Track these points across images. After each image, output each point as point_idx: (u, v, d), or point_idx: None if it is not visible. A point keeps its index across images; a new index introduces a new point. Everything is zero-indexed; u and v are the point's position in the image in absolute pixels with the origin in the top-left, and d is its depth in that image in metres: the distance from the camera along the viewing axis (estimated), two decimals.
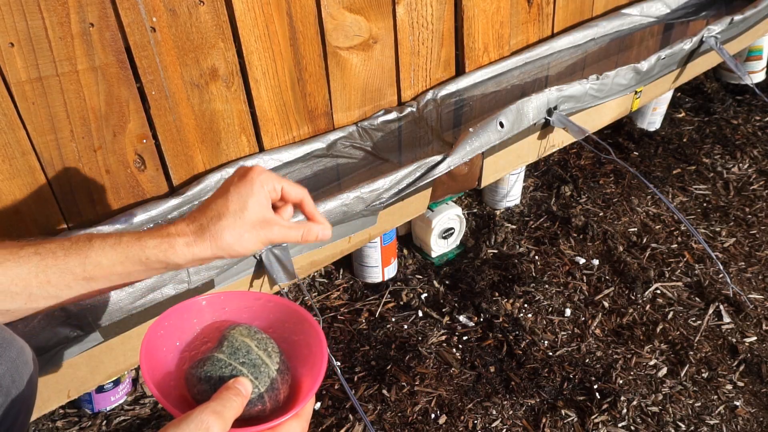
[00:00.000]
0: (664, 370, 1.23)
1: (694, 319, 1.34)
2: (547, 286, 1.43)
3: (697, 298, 1.39)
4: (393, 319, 1.36)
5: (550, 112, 1.28)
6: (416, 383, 1.21)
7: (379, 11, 1.19)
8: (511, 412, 1.16)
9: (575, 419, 1.14)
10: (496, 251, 1.54)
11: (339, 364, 1.26)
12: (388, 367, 1.24)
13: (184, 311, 0.62)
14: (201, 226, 0.63)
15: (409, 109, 1.30)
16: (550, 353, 1.27)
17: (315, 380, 0.57)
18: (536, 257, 1.52)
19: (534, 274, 1.46)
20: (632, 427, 1.13)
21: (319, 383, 0.56)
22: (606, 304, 1.38)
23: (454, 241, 1.54)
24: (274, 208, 0.68)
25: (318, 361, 0.58)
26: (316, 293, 1.43)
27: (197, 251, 0.63)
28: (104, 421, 1.15)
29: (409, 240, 1.56)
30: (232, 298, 0.65)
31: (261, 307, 0.64)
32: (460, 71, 1.41)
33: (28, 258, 0.60)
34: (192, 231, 0.63)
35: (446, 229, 1.49)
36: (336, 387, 1.21)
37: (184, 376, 0.57)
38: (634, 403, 1.17)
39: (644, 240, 1.56)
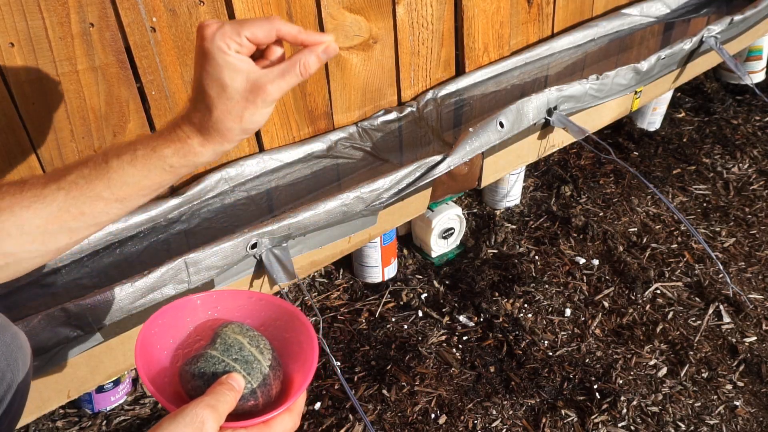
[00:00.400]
0: (664, 370, 1.23)
1: (694, 319, 1.34)
2: (547, 286, 1.43)
3: (697, 298, 1.39)
4: (393, 319, 1.36)
5: (550, 112, 1.28)
6: (416, 383, 1.21)
7: (379, 11, 1.19)
8: (511, 412, 1.16)
9: (575, 419, 1.14)
10: (496, 251, 1.54)
11: (339, 364, 1.26)
12: (388, 367, 1.24)
13: (178, 310, 0.62)
14: (201, 125, 0.60)
15: (409, 109, 1.30)
16: (550, 353, 1.27)
17: (306, 376, 0.58)
18: (536, 257, 1.52)
19: (534, 274, 1.46)
20: (632, 427, 1.13)
21: (310, 379, 0.57)
22: (606, 304, 1.38)
23: (454, 241, 1.54)
24: (258, 55, 0.61)
25: (309, 357, 0.59)
26: (316, 293, 1.43)
27: (216, 147, 0.61)
28: (104, 421, 1.15)
29: (409, 240, 1.56)
30: (224, 297, 0.65)
31: (253, 305, 0.65)
32: (460, 71, 1.41)
33: (53, 196, 0.59)
34: (197, 131, 0.60)
35: (446, 229, 1.49)
36: (336, 387, 1.21)
37: (178, 373, 0.58)
38: (634, 403, 1.17)
39: (644, 240, 1.56)
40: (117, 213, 0.62)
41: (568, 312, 1.37)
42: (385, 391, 1.19)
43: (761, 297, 1.39)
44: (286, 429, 0.56)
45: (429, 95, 1.33)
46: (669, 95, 1.97)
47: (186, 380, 0.57)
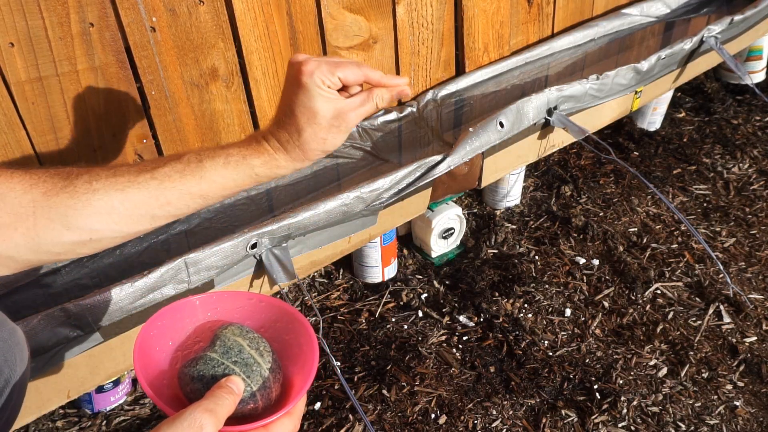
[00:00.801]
0: (664, 370, 1.23)
1: (694, 319, 1.34)
2: (547, 286, 1.43)
3: (697, 298, 1.39)
4: (393, 319, 1.36)
5: (550, 112, 1.28)
6: (416, 383, 1.21)
7: (379, 11, 1.19)
8: (511, 412, 1.16)
9: (575, 419, 1.14)
10: (496, 251, 1.54)
11: (339, 364, 1.26)
12: (388, 367, 1.24)
13: (177, 311, 0.62)
14: (286, 144, 0.69)
15: (409, 109, 1.30)
16: (550, 353, 1.27)
17: (306, 379, 0.57)
18: (536, 257, 1.52)
19: (534, 274, 1.46)
20: (632, 427, 1.13)
21: (310, 382, 0.57)
22: (606, 304, 1.38)
23: (454, 241, 1.54)
24: (344, 88, 0.71)
25: (309, 359, 0.59)
26: (316, 293, 1.43)
27: (297, 164, 0.70)
28: (104, 421, 1.15)
29: (409, 240, 1.56)
30: (224, 298, 0.65)
31: (253, 306, 0.65)
32: (460, 71, 1.41)
33: (146, 183, 0.65)
34: (282, 149, 0.69)
35: (446, 229, 1.49)
36: (336, 387, 1.21)
37: (177, 375, 0.58)
38: (634, 403, 1.17)
39: (644, 240, 1.56)
40: (196, 207, 0.69)
41: (568, 312, 1.37)
42: (385, 391, 1.19)
43: (761, 297, 1.39)
44: None
45: (429, 95, 1.33)
46: (669, 95, 1.97)
47: (185, 383, 0.57)
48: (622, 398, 1.17)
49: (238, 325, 0.61)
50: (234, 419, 0.54)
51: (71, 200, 0.62)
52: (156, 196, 0.65)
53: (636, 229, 1.60)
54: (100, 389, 1.14)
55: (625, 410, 1.15)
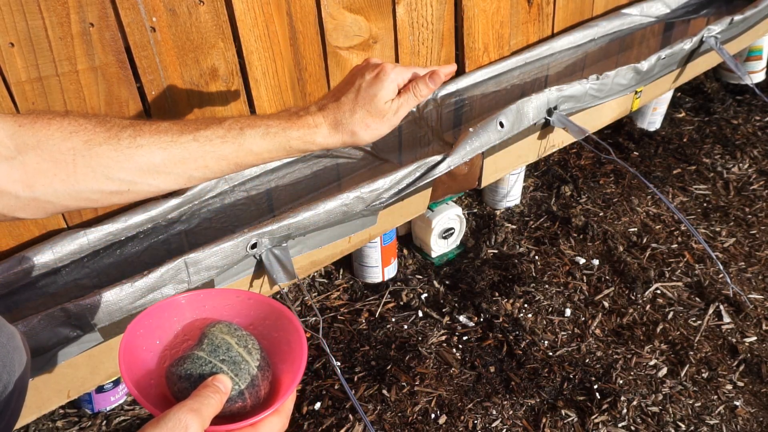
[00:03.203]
0: (664, 370, 1.23)
1: (694, 319, 1.34)
2: (547, 286, 1.43)
3: (697, 298, 1.39)
4: (393, 319, 1.36)
5: (550, 112, 1.28)
6: (416, 383, 1.21)
7: (379, 11, 1.19)
8: (511, 412, 1.16)
9: (575, 419, 1.14)
10: (496, 251, 1.54)
11: (339, 364, 1.26)
12: (388, 367, 1.24)
13: (164, 310, 0.61)
14: (336, 120, 0.73)
15: None
16: (550, 353, 1.27)
17: (294, 377, 0.57)
18: (536, 257, 1.52)
19: (534, 274, 1.46)
20: (632, 427, 1.13)
21: (298, 379, 0.56)
22: (606, 304, 1.38)
23: (454, 241, 1.54)
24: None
25: (298, 357, 0.58)
26: (316, 293, 1.43)
27: (331, 142, 0.74)
28: (104, 421, 1.15)
29: (409, 240, 1.56)
30: (212, 295, 0.65)
31: (241, 304, 0.64)
32: (460, 71, 1.41)
33: (188, 144, 0.67)
34: (329, 124, 0.73)
35: (446, 229, 1.49)
36: (336, 387, 1.21)
37: (165, 375, 0.57)
38: (634, 403, 1.17)
39: (644, 240, 1.56)
40: (230, 171, 0.72)
41: (568, 312, 1.37)
42: (385, 391, 1.19)
43: (761, 297, 1.39)
44: (275, 431, 0.55)
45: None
46: (669, 95, 1.97)
47: (172, 382, 0.56)
48: (622, 398, 1.17)
49: (227, 323, 0.60)
50: (222, 418, 0.54)
51: (114, 152, 0.64)
52: (195, 158, 0.68)
53: (636, 229, 1.60)
54: (100, 389, 1.14)
55: (625, 410, 1.15)
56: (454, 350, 1.28)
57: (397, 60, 1.26)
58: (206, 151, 0.68)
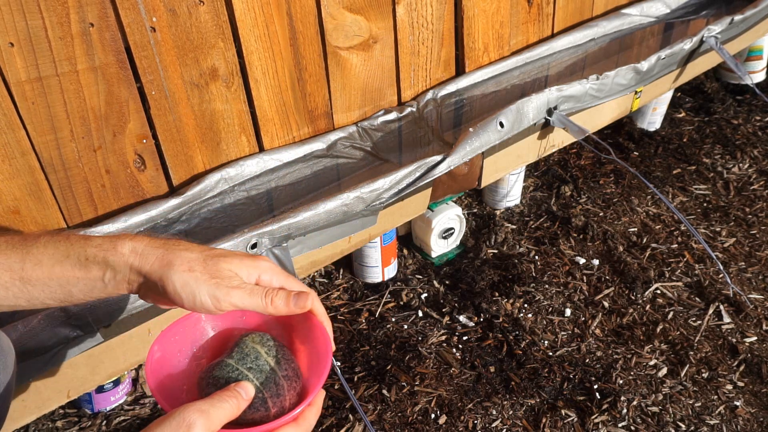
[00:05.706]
0: (664, 370, 1.23)
1: (694, 319, 1.34)
2: (547, 286, 1.43)
3: (697, 298, 1.39)
4: (393, 319, 1.36)
5: (550, 112, 1.28)
6: (416, 383, 1.21)
7: (379, 11, 1.19)
8: (511, 412, 1.16)
9: (575, 419, 1.14)
10: (496, 251, 1.54)
11: (339, 364, 1.26)
12: (388, 367, 1.24)
13: (198, 320, 0.64)
14: (164, 244, 0.56)
15: (409, 109, 1.30)
16: (550, 353, 1.27)
17: (314, 388, 0.57)
18: (536, 257, 1.52)
19: (534, 274, 1.46)
20: (632, 427, 1.13)
21: (315, 392, 0.57)
22: (606, 304, 1.38)
23: (454, 241, 1.54)
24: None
25: (321, 369, 0.59)
26: (316, 293, 1.43)
27: (139, 261, 0.55)
28: (104, 421, 1.15)
29: (409, 240, 1.56)
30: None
31: (279, 317, 0.65)
32: (460, 71, 1.41)
33: None
34: (148, 243, 0.56)
35: (446, 229, 1.49)
36: (336, 387, 1.21)
37: (197, 381, 0.59)
38: (634, 403, 1.17)
39: (644, 240, 1.56)
40: (15, 296, 0.56)
41: (568, 312, 1.37)
42: (385, 391, 1.19)
43: (761, 297, 1.39)
44: None
45: (429, 95, 1.33)
46: (669, 95, 1.97)
47: (201, 388, 0.58)
48: (622, 398, 1.17)
49: (260, 333, 0.62)
50: (242, 424, 0.54)
51: None
52: None
53: (636, 229, 1.60)
54: (100, 389, 1.14)
55: (625, 410, 1.15)
56: (454, 350, 1.28)
57: (397, 60, 1.26)
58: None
